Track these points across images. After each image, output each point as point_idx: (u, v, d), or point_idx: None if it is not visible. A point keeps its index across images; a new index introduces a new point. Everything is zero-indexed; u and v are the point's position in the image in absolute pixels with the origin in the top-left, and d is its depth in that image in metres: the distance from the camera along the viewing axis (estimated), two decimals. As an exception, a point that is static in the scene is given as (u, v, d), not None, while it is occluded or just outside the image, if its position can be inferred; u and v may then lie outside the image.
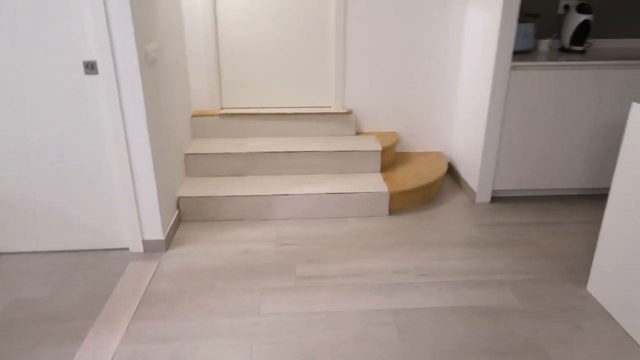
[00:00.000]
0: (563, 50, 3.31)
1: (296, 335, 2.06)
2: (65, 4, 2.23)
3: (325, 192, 3.01)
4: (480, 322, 2.14)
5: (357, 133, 3.61)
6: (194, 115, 3.43)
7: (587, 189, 3.33)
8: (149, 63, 2.46)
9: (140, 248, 2.67)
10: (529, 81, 2.96)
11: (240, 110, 3.50)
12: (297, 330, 2.09)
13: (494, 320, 2.15)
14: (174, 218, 2.87)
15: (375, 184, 3.12)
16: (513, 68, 2.93)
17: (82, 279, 2.44)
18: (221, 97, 3.52)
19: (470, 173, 3.33)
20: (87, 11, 2.24)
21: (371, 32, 3.38)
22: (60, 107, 2.40)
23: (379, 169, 3.31)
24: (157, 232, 2.65)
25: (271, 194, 2.99)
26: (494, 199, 3.30)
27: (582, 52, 3.20)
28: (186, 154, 3.19)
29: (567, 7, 3.32)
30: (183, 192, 3.00)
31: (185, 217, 3.00)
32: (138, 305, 2.24)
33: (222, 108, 3.54)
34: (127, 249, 2.69)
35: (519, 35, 3.10)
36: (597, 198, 3.30)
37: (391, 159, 3.45)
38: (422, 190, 3.19)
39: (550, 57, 3.06)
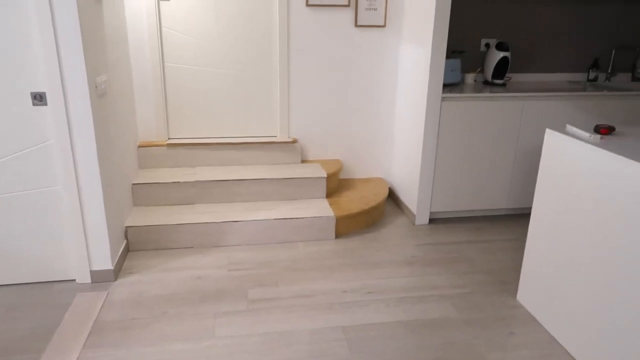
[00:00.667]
0: (486, 83, 3.65)
1: (251, 355, 2.12)
2: (17, 35, 2.25)
3: (274, 217, 3.11)
4: (425, 333, 2.30)
5: (303, 161, 3.76)
6: (140, 146, 3.44)
7: (513, 208, 3.64)
8: (99, 95, 2.49)
9: (88, 279, 2.63)
10: (458, 111, 3.25)
11: (187, 140, 3.56)
12: (253, 351, 2.15)
13: (438, 331, 2.32)
14: (122, 248, 2.85)
15: (322, 209, 3.26)
16: (444, 99, 3.20)
17: (28, 313, 2.37)
18: (168, 127, 3.56)
19: (410, 197, 3.55)
20: (38, 43, 2.26)
21: (314, 65, 3.58)
22: (6, 137, 2.37)
23: (324, 195, 3.46)
24: (105, 262, 2.63)
25: (221, 220, 3.04)
26: (432, 220, 3.53)
27: (503, 85, 3.56)
28: (133, 184, 3.19)
29: (487, 45, 3.69)
30: (131, 221, 3.00)
31: (134, 246, 2.98)
32: (88, 335, 2.22)
33: (169, 138, 3.58)
34: (74, 280, 2.65)
35: (448, 70, 3.42)
36: (521, 217, 3.62)
37: (336, 185, 3.62)
38: (366, 214, 3.36)
39: (476, 89, 3.37)
